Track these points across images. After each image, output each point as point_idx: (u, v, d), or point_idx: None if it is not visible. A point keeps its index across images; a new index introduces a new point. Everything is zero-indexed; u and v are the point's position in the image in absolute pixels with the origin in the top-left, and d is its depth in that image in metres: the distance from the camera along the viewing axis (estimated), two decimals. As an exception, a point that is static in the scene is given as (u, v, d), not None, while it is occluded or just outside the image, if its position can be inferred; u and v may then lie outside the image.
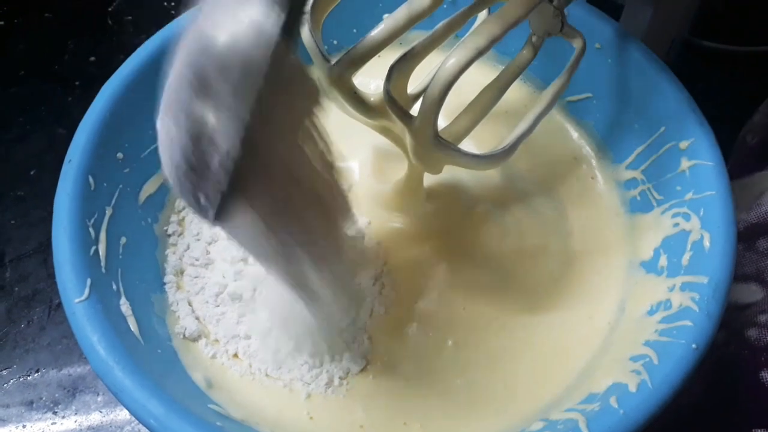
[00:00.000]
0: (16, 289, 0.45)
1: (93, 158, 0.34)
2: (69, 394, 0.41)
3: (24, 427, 0.40)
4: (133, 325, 0.31)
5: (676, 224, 0.35)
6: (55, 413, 0.40)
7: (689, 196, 0.35)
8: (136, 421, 0.39)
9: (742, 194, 0.40)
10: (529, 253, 0.37)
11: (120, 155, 0.35)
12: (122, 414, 0.40)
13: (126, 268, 0.33)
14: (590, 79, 0.40)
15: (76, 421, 0.40)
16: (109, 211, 0.34)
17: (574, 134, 0.42)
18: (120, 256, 0.34)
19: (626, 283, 0.36)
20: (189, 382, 0.32)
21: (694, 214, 0.34)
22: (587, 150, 0.41)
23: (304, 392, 0.33)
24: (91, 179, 0.33)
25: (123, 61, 0.37)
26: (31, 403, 0.41)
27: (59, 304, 0.44)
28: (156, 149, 0.36)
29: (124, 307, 0.32)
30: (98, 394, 0.41)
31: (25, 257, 0.46)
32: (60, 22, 0.58)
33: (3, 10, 0.58)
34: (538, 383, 0.33)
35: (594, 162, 0.41)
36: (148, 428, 0.28)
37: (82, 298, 0.30)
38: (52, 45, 0.56)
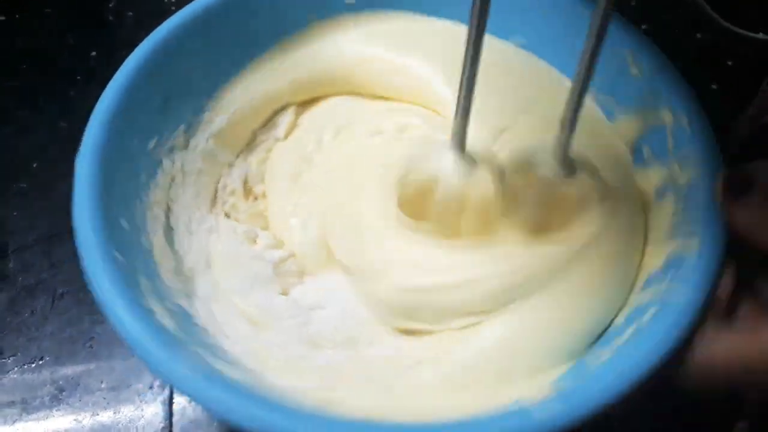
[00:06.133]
0: (20, 279, 0.45)
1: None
2: (73, 382, 0.41)
3: (28, 414, 0.40)
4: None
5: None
6: (59, 401, 0.41)
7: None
8: (141, 408, 0.40)
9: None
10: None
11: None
12: (126, 402, 0.40)
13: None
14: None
15: (79, 409, 0.40)
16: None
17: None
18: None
19: None
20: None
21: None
22: None
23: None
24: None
25: (124, 56, 0.37)
26: (35, 390, 0.41)
27: (62, 294, 0.45)
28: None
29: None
30: (102, 382, 0.41)
31: (27, 248, 0.47)
32: (60, 17, 0.58)
33: (3, 4, 0.58)
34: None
35: None
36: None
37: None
38: (52, 40, 0.57)
